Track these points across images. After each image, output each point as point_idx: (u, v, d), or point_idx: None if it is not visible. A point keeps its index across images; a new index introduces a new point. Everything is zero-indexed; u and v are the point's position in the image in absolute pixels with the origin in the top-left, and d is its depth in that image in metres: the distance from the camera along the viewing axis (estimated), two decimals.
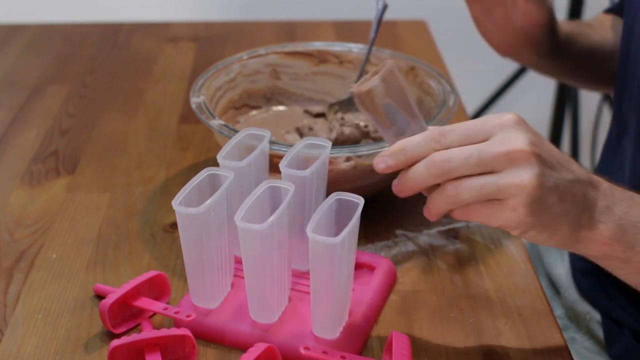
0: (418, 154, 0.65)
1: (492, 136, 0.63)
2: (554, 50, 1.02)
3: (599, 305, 0.99)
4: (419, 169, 0.65)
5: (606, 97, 2.06)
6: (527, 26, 0.96)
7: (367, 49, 1.03)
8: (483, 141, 0.64)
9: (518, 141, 0.63)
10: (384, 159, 0.66)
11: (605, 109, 2.14)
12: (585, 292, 1.01)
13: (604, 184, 0.68)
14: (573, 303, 1.02)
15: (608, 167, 0.99)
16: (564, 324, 1.03)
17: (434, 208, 0.66)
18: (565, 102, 2.08)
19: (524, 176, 0.62)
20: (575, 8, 1.93)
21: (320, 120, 1.06)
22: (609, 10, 1.10)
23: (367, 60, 1.03)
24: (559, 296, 1.06)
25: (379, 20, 1.00)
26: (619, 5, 1.06)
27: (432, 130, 0.65)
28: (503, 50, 1.01)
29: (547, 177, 0.63)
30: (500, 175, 0.63)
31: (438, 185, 0.66)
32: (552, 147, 0.66)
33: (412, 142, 0.65)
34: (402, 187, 0.67)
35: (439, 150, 0.64)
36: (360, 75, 1.03)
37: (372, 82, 0.66)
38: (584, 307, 1.01)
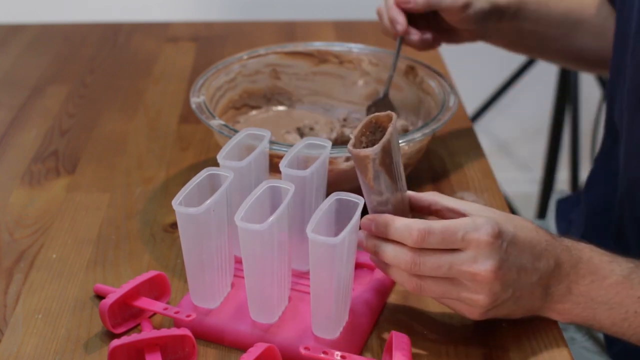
0: (397, 239, 0.70)
1: (467, 249, 0.69)
2: (509, 27, 1.04)
3: None
4: (390, 252, 0.71)
5: (606, 97, 2.06)
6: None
7: (388, 79, 1.03)
8: (458, 249, 0.70)
9: (485, 265, 0.69)
10: (369, 222, 0.72)
11: (605, 110, 2.14)
12: None
13: (567, 263, 0.73)
14: None
15: (601, 176, 1.00)
16: (564, 324, 1.03)
17: (390, 275, 0.73)
18: (565, 102, 2.08)
19: (482, 296, 0.70)
20: None
21: (322, 121, 1.06)
22: None
23: (389, 84, 1.03)
24: None
25: (398, 52, 1.02)
26: None
27: (417, 228, 0.69)
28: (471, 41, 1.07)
29: (505, 292, 0.71)
30: (463, 288, 0.70)
31: None
32: (522, 249, 0.71)
33: (396, 228, 0.70)
34: (366, 249, 0.73)
35: (415, 245, 0.70)
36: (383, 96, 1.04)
37: (371, 150, 0.69)
38: None
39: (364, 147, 0.71)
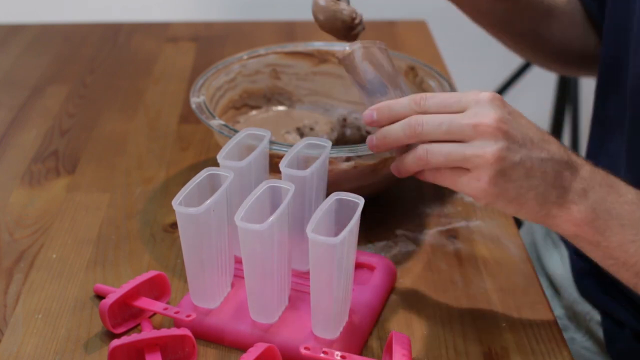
0: (400, 112, 0.71)
1: (467, 109, 0.68)
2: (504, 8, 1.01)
3: (600, 305, 0.99)
4: (394, 128, 0.71)
5: (597, 93, 2.06)
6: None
7: None
8: (458, 112, 0.69)
9: (488, 116, 0.67)
10: (370, 112, 0.72)
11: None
12: (585, 292, 1.01)
13: (585, 167, 0.71)
14: (573, 303, 1.02)
15: None
16: (563, 324, 1.03)
17: (402, 166, 0.72)
18: (565, 101, 2.08)
19: (488, 149, 0.66)
20: None
21: (322, 121, 1.06)
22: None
23: None
24: (558, 296, 1.06)
25: None
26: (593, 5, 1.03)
27: (416, 94, 0.71)
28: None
29: (512, 152, 0.67)
30: (467, 145, 0.67)
31: (408, 147, 0.72)
32: (529, 126, 0.69)
33: (396, 102, 0.72)
34: (377, 142, 0.73)
35: (417, 112, 0.70)
36: None
37: (352, 44, 0.76)
38: (584, 307, 1.01)
39: None
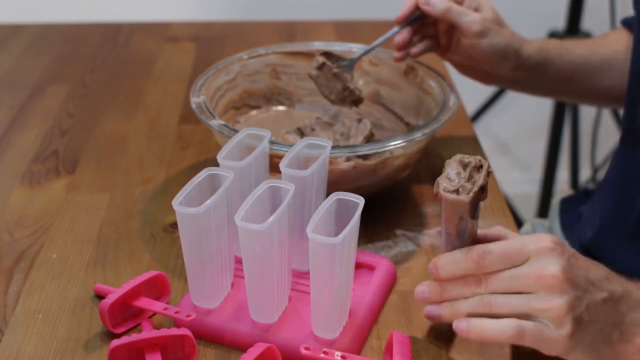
0: (458, 271, 0.70)
1: (529, 260, 0.67)
2: (527, 76, 1.03)
3: None
4: (457, 288, 0.70)
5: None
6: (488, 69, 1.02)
7: (366, 49, 1.03)
8: (519, 264, 0.68)
9: (550, 267, 0.66)
10: (433, 266, 0.71)
11: (605, 110, 2.14)
12: None
13: (637, 293, 0.70)
14: None
15: (616, 177, 0.98)
16: None
17: (464, 311, 0.70)
18: (565, 102, 2.08)
19: (555, 301, 0.66)
20: (574, 14, 1.93)
21: (322, 121, 1.06)
22: (623, 22, 1.08)
23: (359, 57, 1.03)
24: None
25: (387, 38, 1.01)
26: (632, 19, 1.04)
27: (473, 251, 0.69)
28: (483, 82, 1.06)
29: (580, 300, 0.66)
30: (533, 298, 0.67)
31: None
32: (587, 265, 0.69)
33: (454, 260, 0.70)
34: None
35: (477, 270, 0.69)
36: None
37: (464, 197, 0.68)
38: None
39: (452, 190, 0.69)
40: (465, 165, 0.71)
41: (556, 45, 1.05)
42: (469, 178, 0.70)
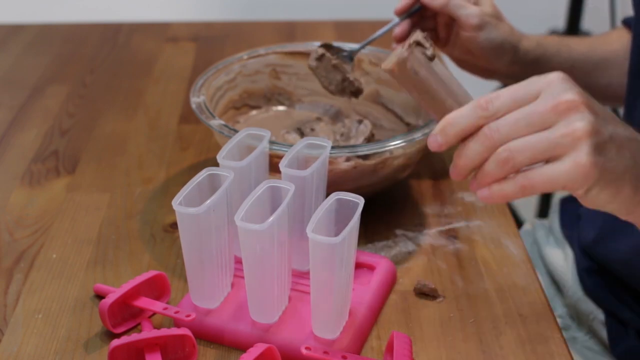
0: (466, 125, 0.63)
1: (540, 95, 0.62)
2: (525, 71, 1.02)
3: (604, 304, 0.98)
4: (470, 146, 0.63)
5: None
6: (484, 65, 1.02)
7: (367, 41, 1.03)
8: (530, 102, 0.62)
9: (566, 94, 0.61)
10: (434, 137, 0.64)
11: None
12: (590, 291, 1.00)
13: None
14: (577, 301, 1.02)
15: None
16: (565, 323, 1.03)
17: (484, 178, 0.63)
18: None
19: (577, 124, 0.60)
20: (574, 12, 1.93)
21: (322, 121, 1.06)
22: (624, 22, 1.09)
23: (357, 51, 1.03)
24: (561, 294, 1.06)
25: (387, 30, 1.02)
26: (632, 19, 1.04)
27: (479, 99, 0.63)
28: (482, 77, 1.07)
29: (602, 126, 0.61)
30: (553, 130, 0.60)
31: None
32: (601, 105, 0.63)
33: (459, 114, 0.63)
34: (458, 170, 0.65)
35: (487, 117, 0.62)
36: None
37: (399, 53, 0.65)
38: (588, 306, 1.01)
39: None
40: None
41: (555, 42, 1.05)
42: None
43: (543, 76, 0.63)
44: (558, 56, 1.04)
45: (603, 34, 1.11)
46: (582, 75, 1.06)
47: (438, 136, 0.64)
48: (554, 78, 0.62)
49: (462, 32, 0.98)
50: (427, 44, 0.68)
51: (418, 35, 0.68)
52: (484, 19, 0.97)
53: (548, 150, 0.61)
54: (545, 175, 0.61)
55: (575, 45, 1.06)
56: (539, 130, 0.61)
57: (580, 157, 0.60)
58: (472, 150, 0.63)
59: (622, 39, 1.07)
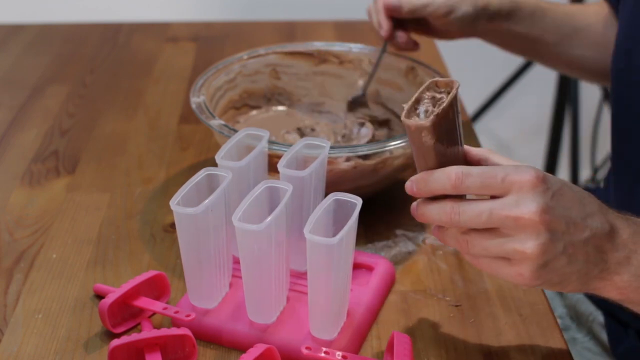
0: (436, 190, 0.67)
1: (508, 194, 0.64)
2: (499, 29, 1.06)
3: (604, 305, 0.98)
4: (432, 209, 0.67)
5: (606, 97, 2.06)
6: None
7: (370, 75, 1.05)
8: (499, 195, 0.65)
9: (529, 207, 0.63)
10: (411, 183, 0.68)
11: (605, 109, 2.14)
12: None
13: (625, 229, 0.67)
14: (576, 303, 1.02)
15: (614, 176, 0.97)
16: (565, 324, 1.03)
17: (445, 241, 0.69)
18: (565, 102, 2.08)
19: (529, 244, 0.63)
20: None
21: (322, 121, 1.06)
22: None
23: (369, 82, 1.06)
24: (561, 295, 1.06)
25: (381, 53, 1.06)
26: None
27: (454, 172, 0.66)
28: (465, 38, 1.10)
29: (554, 244, 0.64)
30: (507, 240, 0.64)
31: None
32: (572, 204, 0.65)
33: (432, 178, 0.67)
34: (417, 217, 0.69)
35: (456, 190, 0.66)
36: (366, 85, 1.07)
37: (423, 121, 0.64)
38: (588, 307, 1.01)
39: (419, 115, 0.66)
40: (433, 89, 0.67)
41: (531, 3, 1.07)
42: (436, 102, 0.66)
43: (518, 172, 0.64)
44: (530, 19, 1.06)
45: (582, 5, 1.12)
46: (553, 41, 1.08)
47: (414, 185, 0.68)
48: (527, 183, 0.64)
49: (436, 22, 1.03)
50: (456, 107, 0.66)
51: (451, 98, 0.65)
52: (449, 3, 1.01)
53: (499, 255, 0.65)
54: (492, 268, 0.67)
55: (549, 12, 1.07)
56: (495, 230, 0.65)
57: (524, 272, 0.64)
58: (431, 214, 0.68)
59: (600, 13, 1.08)
